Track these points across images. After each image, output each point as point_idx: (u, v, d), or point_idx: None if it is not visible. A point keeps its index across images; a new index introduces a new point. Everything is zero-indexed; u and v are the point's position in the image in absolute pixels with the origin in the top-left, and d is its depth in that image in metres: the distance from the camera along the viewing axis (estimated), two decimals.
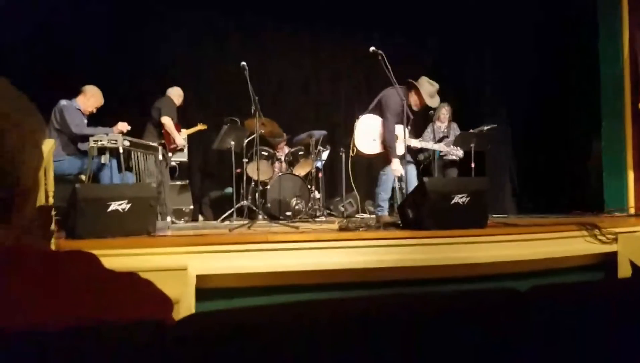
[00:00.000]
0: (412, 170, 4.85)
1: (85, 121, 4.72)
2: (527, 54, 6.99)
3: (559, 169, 6.62)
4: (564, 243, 3.57)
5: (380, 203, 4.85)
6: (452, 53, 7.18)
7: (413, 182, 4.63)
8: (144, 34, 6.50)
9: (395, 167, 4.67)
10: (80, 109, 4.72)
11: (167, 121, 5.39)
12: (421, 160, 6.30)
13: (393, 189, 6.25)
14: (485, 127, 5.97)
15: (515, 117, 7.27)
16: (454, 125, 6.32)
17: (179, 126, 5.70)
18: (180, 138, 5.66)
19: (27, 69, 5.32)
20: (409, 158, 4.60)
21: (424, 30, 7.35)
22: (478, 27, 7.05)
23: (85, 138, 4.47)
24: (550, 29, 6.64)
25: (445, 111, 6.27)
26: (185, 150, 6.49)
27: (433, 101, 4.85)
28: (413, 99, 4.80)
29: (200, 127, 6.46)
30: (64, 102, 4.61)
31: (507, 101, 7.35)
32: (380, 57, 4.25)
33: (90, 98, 4.79)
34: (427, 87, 4.79)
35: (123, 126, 4.77)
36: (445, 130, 6.27)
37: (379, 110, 4.78)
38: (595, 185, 5.72)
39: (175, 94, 5.73)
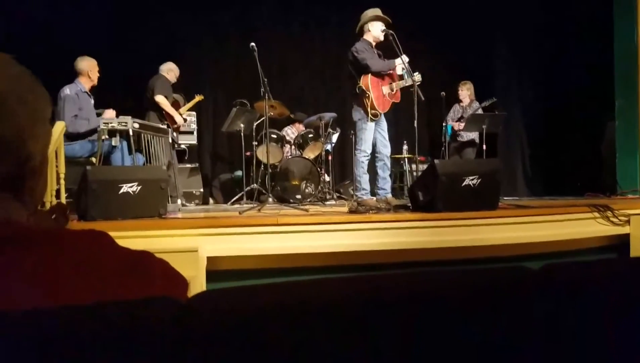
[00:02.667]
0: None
1: (92, 102, 4.67)
2: (540, 34, 6.88)
3: (572, 151, 6.56)
4: (576, 225, 3.55)
5: (364, 186, 4.67)
6: (461, 32, 7.06)
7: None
8: (144, 33, 6.42)
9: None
10: (86, 92, 4.65)
11: (162, 100, 5.24)
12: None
13: (404, 172, 6.20)
14: (487, 104, 5.90)
15: (527, 99, 7.19)
16: (475, 104, 6.20)
17: (178, 105, 5.59)
18: (179, 116, 5.49)
19: (27, 69, 5.28)
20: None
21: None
22: (488, 6, 6.94)
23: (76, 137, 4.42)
24: (563, 7, 6.53)
25: (465, 90, 6.20)
26: (195, 133, 6.48)
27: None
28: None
29: (198, 98, 6.14)
30: (67, 91, 4.50)
31: (520, 83, 7.26)
32: (391, 37, 4.22)
33: (89, 72, 4.68)
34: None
35: (111, 114, 4.61)
36: (467, 108, 6.19)
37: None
38: (609, 167, 5.66)
39: (166, 69, 5.52)
